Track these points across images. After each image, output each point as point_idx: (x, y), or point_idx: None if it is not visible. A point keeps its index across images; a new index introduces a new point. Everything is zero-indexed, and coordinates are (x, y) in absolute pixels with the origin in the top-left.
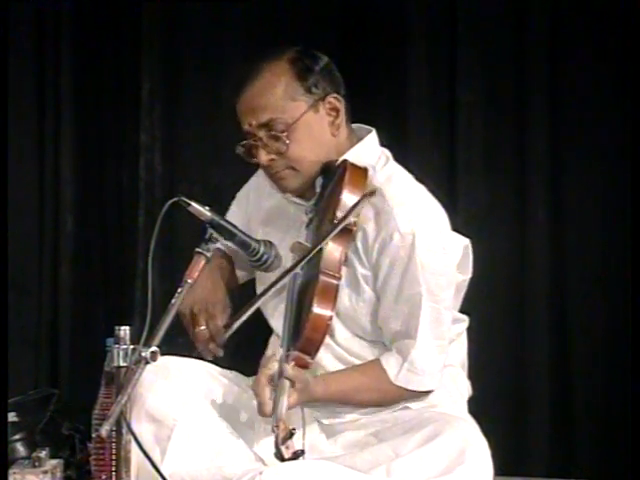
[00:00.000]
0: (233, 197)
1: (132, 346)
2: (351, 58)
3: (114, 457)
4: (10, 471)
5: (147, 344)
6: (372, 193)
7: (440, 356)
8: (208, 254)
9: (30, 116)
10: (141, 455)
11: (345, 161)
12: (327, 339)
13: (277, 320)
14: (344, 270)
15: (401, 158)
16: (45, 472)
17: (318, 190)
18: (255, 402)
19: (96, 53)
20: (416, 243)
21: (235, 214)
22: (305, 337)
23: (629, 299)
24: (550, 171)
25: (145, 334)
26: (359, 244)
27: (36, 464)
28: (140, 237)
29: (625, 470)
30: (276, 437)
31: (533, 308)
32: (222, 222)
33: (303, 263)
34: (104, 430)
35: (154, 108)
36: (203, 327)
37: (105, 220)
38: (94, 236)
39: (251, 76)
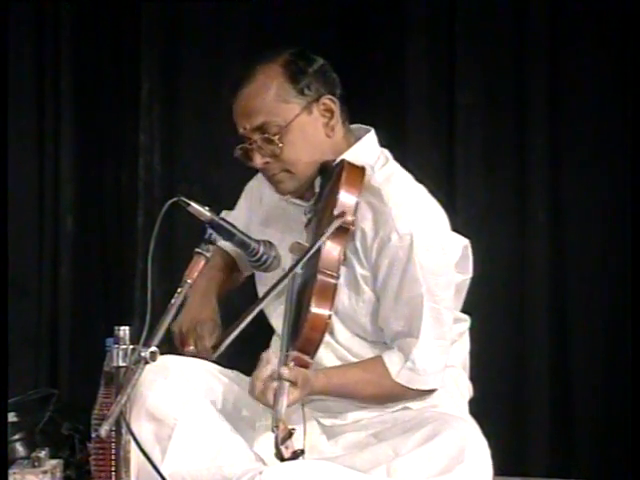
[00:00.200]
0: (233, 197)
1: (132, 346)
2: (350, 58)
3: (114, 457)
4: (10, 471)
5: (147, 344)
6: None
7: (442, 356)
8: (208, 254)
9: (30, 116)
10: (141, 455)
11: (343, 161)
12: (328, 339)
13: (278, 320)
14: (343, 270)
15: (400, 158)
16: (45, 472)
17: (317, 190)
18: (255, 401)
19: (96, 53)
20: (414, 244)
21: (241, 209)
22: (304, 336)
23: (629, 299)
24: (550, 171)
25: (145, 334)
26: (358, 244)
27: (36, 464)
28: (139, 237)
29: (625, 470)
30: (276, 437)
31: (533, 308)
32: (221, 222)
33: (299, 267)
34: (104, 430)
35: (153, 108)
36: (192, 347)
37: (105, 220)
38: (94, 236)
39: (245, 79)
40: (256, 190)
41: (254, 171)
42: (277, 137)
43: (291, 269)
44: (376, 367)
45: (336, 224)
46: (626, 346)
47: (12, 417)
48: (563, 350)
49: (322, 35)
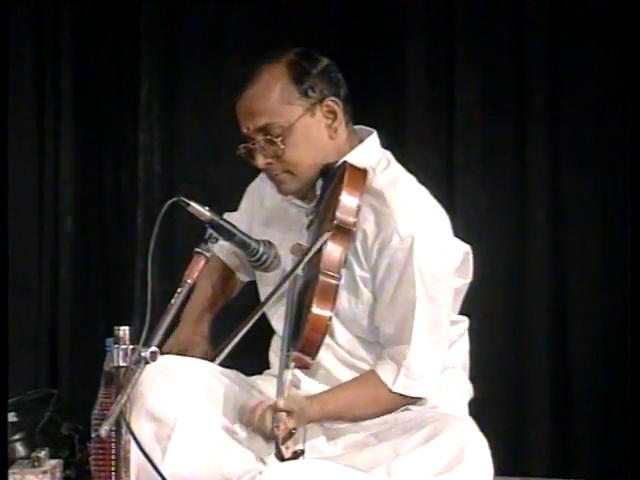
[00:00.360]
0: (233, 197)
1: (132, 346)
2: (350, 58)
3: (114, 457)
4: (10, 471)
5: (147, 344)
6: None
7: (437, 360)
8: (208, 254)
9: (30, 116)
10: (141, 455)
11: (345, 163)
12: (328, 340)
13: (278, 321)
14: (343, 272)
15: (399, 158)
16: (45, 472)
17: (319, 192)
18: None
19: (95, 53)
20: (415, 246)
21: (243, 211)
22: (305, 337)
23: (629, 299)
24: (550, 171)
25: (145, 334)
26: (358, 245)
27: (35, 464)
28: (139, 237)
29: (625, 470)
30: (276, 437)
31: (533, 308)
32: (221, 222)
33: (299, 269)
34: (104, 430)
35: (153, 108)
36: None
37: (104, 220)
38: (93, 236)
39: (250, 78)
40: (257, 192)
41: (254, 171)
42: (280, 139)
43: (290, 273)
44: (370, 381)
45: (325, 237)
46: (626, 346)
47: (12, 417)
48: (563, 350)
49: (322, 35)
